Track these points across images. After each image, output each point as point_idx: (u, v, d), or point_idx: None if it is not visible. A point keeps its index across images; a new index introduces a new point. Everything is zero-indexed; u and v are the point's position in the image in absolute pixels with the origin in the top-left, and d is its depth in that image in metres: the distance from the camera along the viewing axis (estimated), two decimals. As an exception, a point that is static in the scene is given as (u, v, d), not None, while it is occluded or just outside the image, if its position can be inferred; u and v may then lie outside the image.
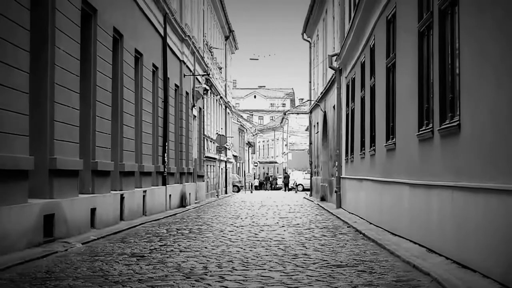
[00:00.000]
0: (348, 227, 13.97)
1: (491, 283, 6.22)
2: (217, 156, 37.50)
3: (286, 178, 62.07)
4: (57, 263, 8.06)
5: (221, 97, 40.80)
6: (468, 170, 7.26)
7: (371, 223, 14.06)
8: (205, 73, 29.97)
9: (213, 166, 36.84)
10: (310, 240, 11.07)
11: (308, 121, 40.95)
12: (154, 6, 18.44)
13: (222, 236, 11.69)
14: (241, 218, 16.93)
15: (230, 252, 9.23)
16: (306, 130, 62.21)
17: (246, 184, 59.52)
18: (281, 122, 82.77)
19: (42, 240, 9.45)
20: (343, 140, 21.35)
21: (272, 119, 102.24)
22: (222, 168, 42.16)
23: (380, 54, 13.57)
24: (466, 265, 7.20)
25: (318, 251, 9.39)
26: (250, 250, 9.42)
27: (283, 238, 11.30)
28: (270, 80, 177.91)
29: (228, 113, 46.54)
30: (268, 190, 68.97)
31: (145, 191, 16.95)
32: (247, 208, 22.74)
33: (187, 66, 25.22)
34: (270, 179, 75.33)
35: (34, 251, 8.68)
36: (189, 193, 24.47)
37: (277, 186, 71.13)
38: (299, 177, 61.12)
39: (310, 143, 35.77)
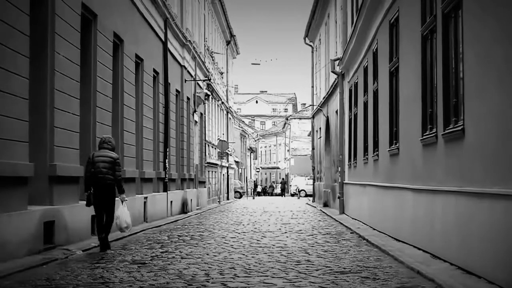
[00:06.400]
0: (351, 233, 13.88)
1: (497, 290, 6.14)
2: (218, 162, 37.43)
3: (283, 184, 62.74)
4: (57, 270, 7.99)
5: (222, 102, 40.76)
6: (472, 175, 7.18)
7: (374, 229, 13.96)
8: (206, 78, 29.90)
9: (215, 172, 36.78)
10: (313, 246, 10.98)
11: (310, 126, 40.88)
12: (154, 10, 18.39)
13: (224, 243, 11.60)
14: (243, 225, 16.84)
15: (232, 258, 9.15)
16: (308, 135, 62.15)
17: (248, 190, 59.43)
18: (283, 128, 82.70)
19: (42, 247, 9.38)
20: (346, 145, 21.27)
21: (274, 124, 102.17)
22: (223, 174, 42.08)
23: (383, 58, 13.50)
24: (470, 271, 7.12)
25: (321, 257, 9.30)
26: (252, 257, 9.33)
27: (286, 245, 11.21)
28: (272, 85, 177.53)
29: (230, 118, 46.50)
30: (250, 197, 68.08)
31: (146, 198, 16.86)
32: (249, 214, 22.65)
33: (188, 71, 25.17)
34: (257, 186, 74.66)
35: (34, 259, 8.60)
36: (191, 200, 24.39)
37: (273, 192, 70.97)
38: (301, 182, 61.00)
39: (313, 149, 35.70)
